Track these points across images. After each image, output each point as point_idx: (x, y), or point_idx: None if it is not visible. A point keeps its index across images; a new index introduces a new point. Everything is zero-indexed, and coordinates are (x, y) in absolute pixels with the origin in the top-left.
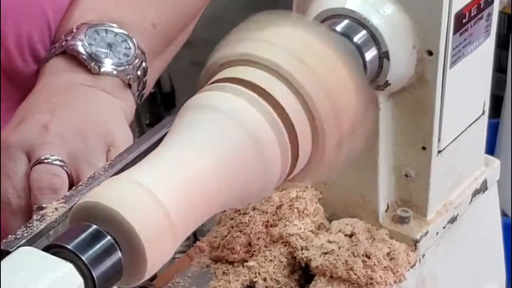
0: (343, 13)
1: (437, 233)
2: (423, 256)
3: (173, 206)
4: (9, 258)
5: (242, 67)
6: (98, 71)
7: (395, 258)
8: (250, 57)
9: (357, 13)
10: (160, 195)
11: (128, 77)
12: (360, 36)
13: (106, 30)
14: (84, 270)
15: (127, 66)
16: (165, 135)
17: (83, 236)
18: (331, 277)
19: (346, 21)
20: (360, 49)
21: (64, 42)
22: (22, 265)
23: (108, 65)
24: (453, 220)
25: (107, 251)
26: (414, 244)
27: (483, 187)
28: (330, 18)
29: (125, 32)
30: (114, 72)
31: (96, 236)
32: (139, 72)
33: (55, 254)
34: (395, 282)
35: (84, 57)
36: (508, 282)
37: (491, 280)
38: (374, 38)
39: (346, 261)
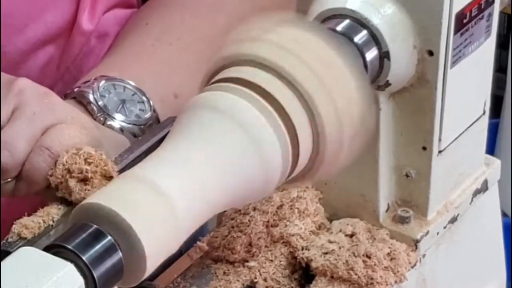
0: (344, 13)
1: (437, 233)
2: (424, 256)
3: (174, 205)
4: (10, 258)
5: (243, 67)
6: (103, 122)
7: (396, 258)
8: (252, 57)
9: (357, 13)
10: (161, 194)
11: (135, 136)
12: (360, 36)
13: (124, 87)
14: (84, 270)
15: (134, 126)
16: (166, 135)
17: (83, 236)
18: (332, 277)
19: (346, 21)
20: (360, 49)
21: (76, 89)
22: (23, 265)
23: (115, 120)
24: (453, 220)
25: (108, 251)
26: (414, 244)
27: (484, 187)
28: (330, 18)
29: (145, 94)
30: (119, 128)
31: (97, 236)
32: None
33: (55, 254)
34: (395, 282)
35: (92, 106)
36: (508, 282)
37: (491, 280)
38: (375, 38)
39: (346, 261)
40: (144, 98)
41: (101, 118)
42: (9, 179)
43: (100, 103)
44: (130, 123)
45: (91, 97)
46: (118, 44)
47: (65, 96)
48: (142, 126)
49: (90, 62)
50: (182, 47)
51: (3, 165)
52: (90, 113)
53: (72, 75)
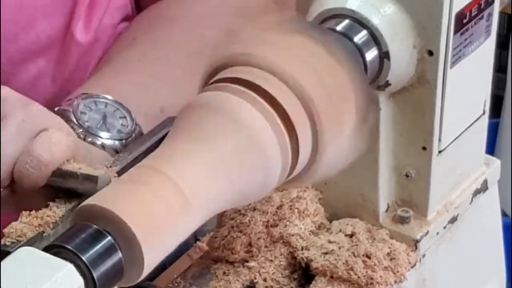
0: (344, 13)
1: (437, 233)
2: (424, 256)
3: (173, 205)
4: (9, 258)
5: (243, 67)
6: (84, 139)
7: (396, 258)
8: (251, 57)
9: (357, 13)
10: (160, 194)
11: (117, 152)
12: (360, 36)
13: (106, 104)
14: (84, 270)
15: (115, 141)
16: (165, 135)
17: (83, 236)
18: (332, 277)
19: (346, 21)
20: (360, 49)
21: (57, 108)
22: (22, 266)
23: (96, 137)
24: (453, 220)
25: (108, 251)
26: (414, 244)
27: (484, 187)
28: (330, 18)
29: (127, 109)
30: (100, 144)
31: (97, 236)
32: None
33: (55, 254)
34: (395, 282)
35: (72, 124)
36: (508, 282)
37: (491, 280)
38: (375, 38)
39: (346, 261)
40: (126, 113)
41: (81, 136)
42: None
43: (80, 120)
44: (111, 139)
45: (71, 115)
46: (105, 60)
47: None
48: (123, 141)
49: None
50: (169, 61)
51: None
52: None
53: (75, 86)
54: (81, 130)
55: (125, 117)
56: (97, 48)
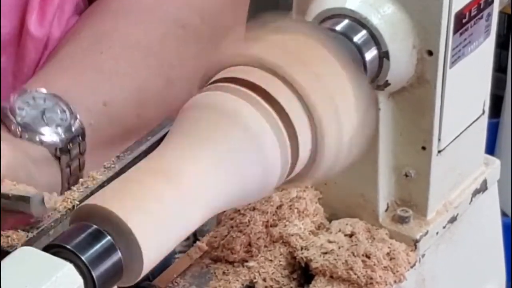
0: (343, 13)
1: (437, 233)
2: (423, 256)
3: (173, 205)
4: (9, 258)
5: (243, 67)
6: (20, 135)
7: (395, 258)
8: (251, 57)
9: (357, 13)
10: (160, 194)
11: (56, 149)
12: (360, 36)
13: (44, 99)
14: (84, 270)
15: (55, 136)
16: (165, 135)
17: (83, 236)
18: (331, 277)
19: (346, 21)
20: (360, 49)
21: None
22: (22, 265)
23: (34, 133)
24: (453, 220)
25: (107, 251)
26: (414, 244)
27: (483, 187)
28: (330, 18)
29: (67, 104)
30: (38, 140)
31: (96, 236)
32: (71, 146)
33: (55, 254)
34: (395, 282)
35: (10, 121)
36: (508, 282)
37: (491, 280)
38: (374, 38)
39: (346, 261)
40: (65, 107)
41: (18, 132)
42: None
43: (17, 116)
44: (49, 133)
45: (7, 111)
46: (51, 57)
47: None
48: (63, 135)
49: None
50: (113, 55)
51: None
52: (9, 128)
53: None
54: (18, 127)
55: (64, 111)
56: (52, 42)
